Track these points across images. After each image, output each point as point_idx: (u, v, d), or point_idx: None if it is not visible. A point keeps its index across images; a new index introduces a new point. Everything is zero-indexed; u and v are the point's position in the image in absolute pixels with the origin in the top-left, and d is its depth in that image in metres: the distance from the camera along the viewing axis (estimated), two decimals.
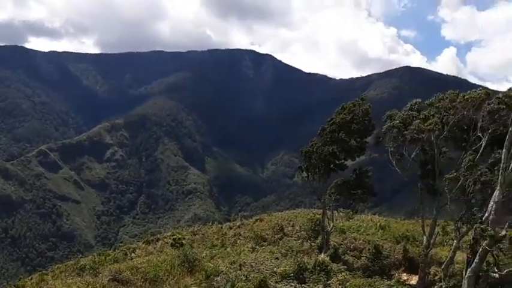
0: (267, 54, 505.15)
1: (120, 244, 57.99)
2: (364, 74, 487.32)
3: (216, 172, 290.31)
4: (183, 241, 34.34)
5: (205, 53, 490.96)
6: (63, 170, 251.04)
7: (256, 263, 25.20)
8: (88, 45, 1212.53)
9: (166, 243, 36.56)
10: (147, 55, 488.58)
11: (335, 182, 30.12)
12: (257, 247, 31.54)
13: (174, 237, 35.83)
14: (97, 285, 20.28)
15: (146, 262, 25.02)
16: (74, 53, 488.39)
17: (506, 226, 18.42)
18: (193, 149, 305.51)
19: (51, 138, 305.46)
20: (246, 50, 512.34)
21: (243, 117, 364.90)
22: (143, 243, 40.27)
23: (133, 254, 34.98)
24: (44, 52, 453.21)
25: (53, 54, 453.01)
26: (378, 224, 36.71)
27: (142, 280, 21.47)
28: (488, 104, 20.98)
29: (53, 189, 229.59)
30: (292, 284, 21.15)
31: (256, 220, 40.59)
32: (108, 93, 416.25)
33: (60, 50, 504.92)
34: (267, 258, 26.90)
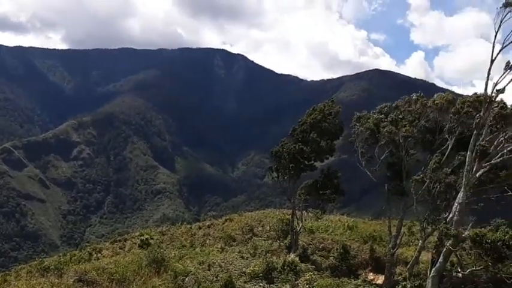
0: (238, 54, 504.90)
1: (87, 244, 56.71)
2: (335, 76, 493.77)
3: (186, 172, 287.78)
4: (151, 241, 33.84)
5: (176, 52, 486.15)
6: (27, 168, 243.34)
7: (225, 263, 25.10)
8: (55, 41, 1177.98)
9: (134, 243, 35.96)
10: (116, 52, 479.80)
11: (305, 183, 30.36)
12: (226, 247, 31.42)
13: (142, 237, 35.26)
14: (62, 286, 19.69)
15: (113, 262, 24.49)
16: (41, 48, 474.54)
17: (469, 227, 18.99)
18: (162, 148, 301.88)
19: (15, 135, 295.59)
20: (217, 49, 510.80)
21: (214, 116, 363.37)
22: (110, 243, 39.51)
23: (99, 255, 34.25)
24: (9, 47, 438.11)
25: (18, 49, 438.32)
26: (346, 224, 37.19)
27: (108, 281, 20.98)
28: (462, 108, 21.57)
29: (17, 188, 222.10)
30: (260, 284, 21.17)
31: (226, 220, 40.42)
32: (75, 90, 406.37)
33: (26, 45, 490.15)
34: (236, 259, 26.84)
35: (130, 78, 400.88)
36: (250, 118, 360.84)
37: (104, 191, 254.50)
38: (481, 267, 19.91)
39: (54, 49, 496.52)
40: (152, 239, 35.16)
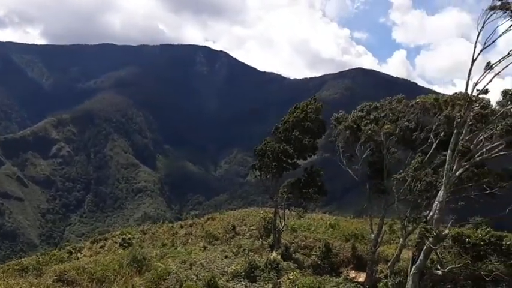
0: (221, 51, 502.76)
1: (66, 243, 55.83)
2: (318, 74, 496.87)
3: (168, 170, 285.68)
4: (132, 240, 33.50)
5: (158, 48, 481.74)
6: (5, 166, 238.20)
7: (207, 262, 24.94)
8: (34, 36, 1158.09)
9: (115, 242, 35.53)
10: (96, 48, 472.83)
11: (287, 181, 30.40)
12: (209, 246, 31.27)
13: (123, 236, 34.88)
14: (41, 286, 19.28)
15: (93, 262, 24.12)
16: (19, 43, 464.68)
17: (449, 225, 19.23)
18: (143, 146, 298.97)
19: None
20: (200, 46, 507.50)
21: (196, 114, 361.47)
22: (90, 242, 38.95)
23: (79, 254, 33.74)
24: None
25: None
26: (328, 222, 37.40)
27: (88, 280, 20.62)
28: (441, 109, 21.83)
29: None
30: (243, 282, 21.08)
31: (208, 219, 40.26)
32: (54, 87, 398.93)
33: (3, 39, 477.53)
34: (219, 257, 26.70)
35: (110, 74, 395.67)
36: (233, 116, 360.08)
37: (84, 190, 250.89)
38: (461, 265, 20.22)
39: (33, 44, 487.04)
40: (133, 238, 34.79)
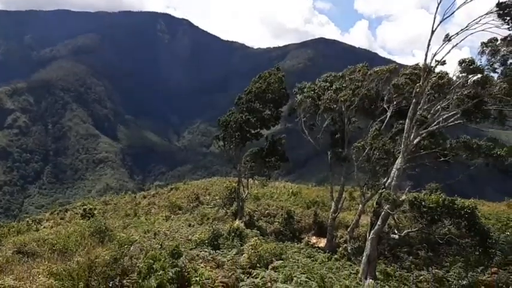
0: (183, 19, 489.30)
1: (26, 216, 54.36)
2: (281, 44, 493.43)
3: (129, 141, 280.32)
4: (94, 211, 33.00)
5: (117, 15, 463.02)
6: None
7: (171, 232, 25.00)
8: None
9: (76, 213, 34.95)
10: (51, 14, 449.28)
11: (250, 151, 30.57)
12: (172, 216, 31.29)
13: (85, 207, 34.27)
14: (0, 258, 18.80)
15: (54, 233, 23.64)
16: None
17: (406, 191, 19.98)
18: (103, 117, 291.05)
19: None
20: (161, 14, 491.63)
21: (158, 84, 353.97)
22: (50, 214, 38.14)
23: (39, 226, 32.99)
24: None
25: None
26: (291, 190, 38.13)
27: (50, 252, 20.23)
28: (398, 79, 22.29)
29: None
30: (206, 250, 21.29)
31: (172, 189, 40.14)
32: (8, 55, 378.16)
33: None
34: (182, 226, 26.81)
35: (67, 42, 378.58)
36: (196, 86, 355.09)
37: (43, 161, 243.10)
38: (416, 229, 21.17)
39: None
40: (95, 209, 34.28)
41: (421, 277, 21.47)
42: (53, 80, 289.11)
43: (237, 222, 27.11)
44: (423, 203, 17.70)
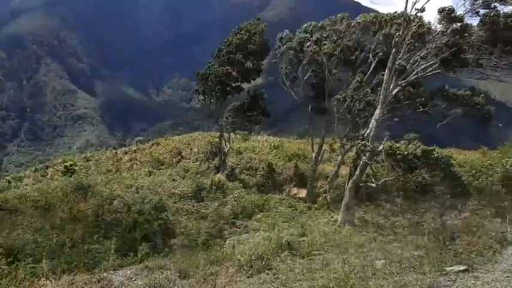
0: None
1: (5, 174, 53.82)
2: None
3: (108, 96, 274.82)
4: (75, 168, 32.87)
5: None
6: None
7: (153, 186, 25.23)
8: None
9: (57, 170, 34.76)
10: None
11: (232, 105, 30.48)
12: (154, 171, 31.40)
13: (66, 164, 34.07)
14: None
15: (36, 190, 23.63)
16: None
17: (384, 141, 20.36)
18: (80, 71, 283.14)
19: None
20: None
21: (135, 37, 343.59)
22: (31, 171, 37.87)
23: (20, 183, 32.81)
24: None
25: None
26: (272, 144, 38.36)
27: (32, 208, 20.32)
28: (381, 28, 22.11)
29: None
30: (190, 203, 21.70)
31: (153, 144, 39.98)
32: None
33: None
34: (165, 181, 27.03)
35: None
36: (175, 38, 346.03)
37: (19, 118, 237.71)
38: (393, 177, 21.81)
39: None
40: (76, 165, 34.12)
41: (397, 223, 22.36)
42: (24, 34, 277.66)
43: (219, 175, 27.48)
44: (398, 153, 18.13)
